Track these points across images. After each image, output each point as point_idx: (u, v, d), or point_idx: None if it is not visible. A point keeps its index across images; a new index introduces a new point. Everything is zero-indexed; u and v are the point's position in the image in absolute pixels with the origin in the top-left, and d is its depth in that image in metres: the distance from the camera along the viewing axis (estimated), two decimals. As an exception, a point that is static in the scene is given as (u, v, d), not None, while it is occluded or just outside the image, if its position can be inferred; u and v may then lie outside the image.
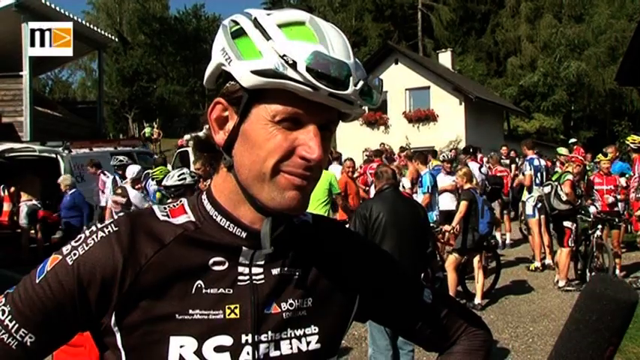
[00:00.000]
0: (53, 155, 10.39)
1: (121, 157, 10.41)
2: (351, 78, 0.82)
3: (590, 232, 7.94)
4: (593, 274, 7.69)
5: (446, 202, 8.94)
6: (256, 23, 0.85)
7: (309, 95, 0.81)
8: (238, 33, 0.86)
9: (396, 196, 4.71)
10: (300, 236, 0.97)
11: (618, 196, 8.78)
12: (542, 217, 8.97)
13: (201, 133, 0.98)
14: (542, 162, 9.62)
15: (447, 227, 7.27)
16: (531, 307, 7.19)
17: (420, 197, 8.79)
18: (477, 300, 7.08)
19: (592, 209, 8.14)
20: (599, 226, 7.96)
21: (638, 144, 8.47)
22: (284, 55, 0.80)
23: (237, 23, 0.88)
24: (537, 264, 9.06)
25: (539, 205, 8.90)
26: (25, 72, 15.62)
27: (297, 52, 0.80)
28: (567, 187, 7.73)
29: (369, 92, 0.86)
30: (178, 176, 5.67)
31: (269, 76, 0.80)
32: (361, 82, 0.84)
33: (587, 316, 0.76)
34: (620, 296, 0.75)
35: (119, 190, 7.90)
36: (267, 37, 0.83)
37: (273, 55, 0.81)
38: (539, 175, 9.27)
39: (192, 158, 13.85)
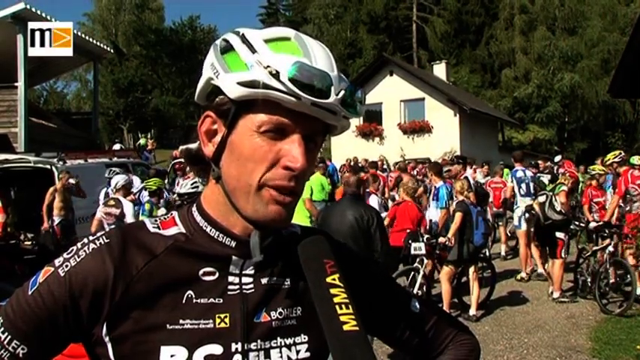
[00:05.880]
0: (48, 166, 10.32)
1: (115, 169, 10.35)
2: (333, 88, 0.85)
3: (590, 245, 7.79)
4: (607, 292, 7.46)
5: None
6: (243, 39, 0.89)
7: (293, 105, 0.84)
8: (227, 49, 0.90)
9: (348, 204, 4.92)
10: (288, 247, 0.98)
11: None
12: (532, 228, 8.88)
13: (192, 146, 1.01)
14: (529, 173, 9.60)
15: (442, 239, 7.25)
16: (526, 318, 7.18)
17: (434, 212, 8.51)
18: (472, 311, 7.07)
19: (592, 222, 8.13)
20: (608, 240, 7.66)
21: (620, 157, 8.49)
22: (268, 66, 0.83)
23: (226, 41, 0.91)
24: (523, 274, 9.10)
25: (527, 215, 8.94)
26: (20, 83, 15.63)
27: (280, 63, 0.83)
28: (562, 197, 7.77)
29: (352, 103, 0.89)
30: (191, 184, 5.84)
31: (254, 87, 0.83)
32: (342, 92, 0.86)
33: None
34: None
35: (112, 202, 7.69)
36: (253, 51, 0.86)
37: (258, 66, 0.84)
38: (523, 186, 9.30)
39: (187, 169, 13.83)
